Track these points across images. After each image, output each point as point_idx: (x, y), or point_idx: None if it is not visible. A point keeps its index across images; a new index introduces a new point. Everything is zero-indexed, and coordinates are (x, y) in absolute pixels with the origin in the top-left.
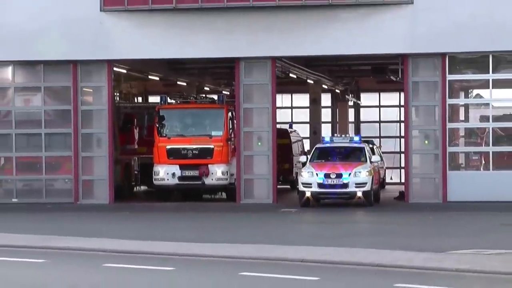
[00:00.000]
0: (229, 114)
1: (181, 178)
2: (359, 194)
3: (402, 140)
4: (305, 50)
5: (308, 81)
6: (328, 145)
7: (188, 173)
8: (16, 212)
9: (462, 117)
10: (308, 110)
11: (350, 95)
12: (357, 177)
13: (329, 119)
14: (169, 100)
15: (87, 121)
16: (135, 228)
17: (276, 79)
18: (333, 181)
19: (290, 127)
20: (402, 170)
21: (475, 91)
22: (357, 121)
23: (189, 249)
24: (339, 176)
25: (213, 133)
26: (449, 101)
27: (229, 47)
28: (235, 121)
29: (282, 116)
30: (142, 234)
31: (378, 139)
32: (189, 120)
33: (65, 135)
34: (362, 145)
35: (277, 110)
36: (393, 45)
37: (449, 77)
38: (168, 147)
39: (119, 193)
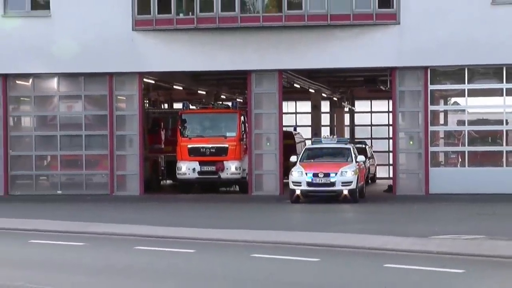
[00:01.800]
0: (242, 118)
1: (200, 172)
2: (345, 192)
3: (391, 141)
4: (307, 64)
5: (310, 90)
6: (317, 146)
7: (206, 168)
8: (60, 202)
9: (442, 121)
10: (309, 115)
11: (346, 102)
12: (343, 176)
13: (328, 123)
14: (190, 106)
15: (120, 125)
16: (161, 216)
17: (282, 88)
18: (321, 180)
19: (295, 129)
20: (391, 167)
21: (453, 99)
22: (352, 125)
23: (208, 234)
24: (326, 175)
25: (228, 134)
26: (431, 108)
27: (242, 61)
28: (247, 124)
29: (288, 120)
30: (167, 221)
31: (370, 140)
32: (207, 123)
33: (102, 136)
34: (348, 146)
35: (283, 115)
36: (383, 60)
37: (431, 87)
38: (189, 146)
39: (148, 186)
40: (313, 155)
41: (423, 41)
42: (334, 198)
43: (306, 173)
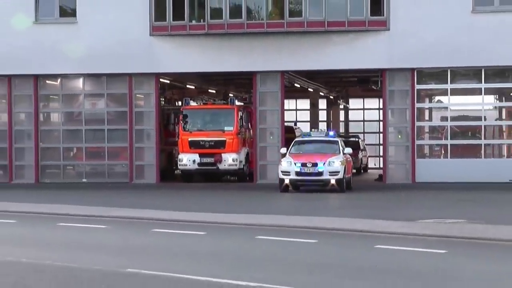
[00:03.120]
0: (240, 113)
1: (200, 164)
2: (333, 181)
3: (381, 135)
4: (307, 66)
5: (309, 89)
6: (306, 138)
7: (205, 160)
8: (85, 189)
9: (427, 117)
10: (308, 112)
11: (341, 100)
12: (330, 166)
13: (325, 119)
14: (191, 102)
15: (139, 120)
16: (176, 202)
17: (284, 87)
18: (309, 170)
19: (295, 125)
20: (381, 158)
21: (437, 98)
22: (346, 120)
23: (217, 218)
24: (314, 165)
25: (226, 128)
26: (417, 105)
27: (248, 63)
28: (249, 119)
29: (289, 116)
30: (181, 206)
31: (362, 134)
32: (206, 118)
33: (123, 131)
34: (336, 139)
35: (285, 111)
36: (374, 62)
37: (417, 86)
38: (190, 139)
39: (163, 175)
40: (302, 147)
41: (411, 46)
42: (322, 187)
43: (295, 163)
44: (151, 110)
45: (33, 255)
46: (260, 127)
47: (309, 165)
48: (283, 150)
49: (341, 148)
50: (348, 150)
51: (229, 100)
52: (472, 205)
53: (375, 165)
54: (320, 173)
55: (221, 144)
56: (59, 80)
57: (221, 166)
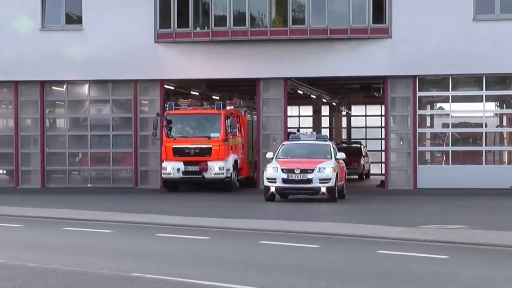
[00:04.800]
0: (227, 118)
1: (184, 172)
2: (323, 189)
3: (383, 141)
4: (309, 72)
5: (312, 96)
6: (294, 142)
7: (190, 168)
8: (90, 194)
9: (428, 124)
10: (311, 118)
11: (344, 107)
12: (321, 173)
13: (327, 125)
14: (175, 107)
15: (144, 126)
16: (180, 207)
17: (287, 94)
18: (297, 177)
19: (298, 131)
20: (383, 164)
21: (438, 104)
22: (349, 127)
23: (220, 223)
24: (303, 171)
25: (212, 135)
26: (419, 112)
27: (252, 70)
28: (238, 124)
29: (292, 122)
30: (185, 211)
31: (365, 141)
32: (191, 124)
33: (128, 136)
34: (327, 142)
35: (288, 118)
36: (376, 69)
37: (419, 93)
38: (174, 146)
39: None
40: (290, 151)
41: (412, 53)
42: (311, 196)
43: (282, 169)
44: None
45: (39, 259)
46: (263, 133)
47: (297, 171)
48: (270, 154)
49: (333, 152)
50: (341, 155)
51: (216, 104)
52: (473, 211)
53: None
54: (309, 181)
55: (206, 152)
56: (65, 86)
57: (207, 175)
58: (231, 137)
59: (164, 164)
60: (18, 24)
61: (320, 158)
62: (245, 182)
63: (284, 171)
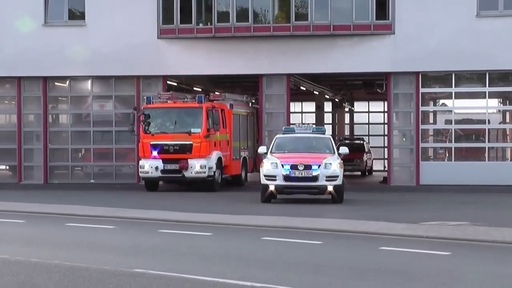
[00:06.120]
0: (210, 113)
1: (163, 171)
2: (330, 188)
3: (386, 137)
4: (312, 69)
5: (314, 92)
6: (289, 135)
7: (169, 166)
8: (93, 190)
9: (431, 120)
10: (314, 114)
11: (346, 103)
12: (327, 169)
13: (330, 121)
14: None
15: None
16: (182, 203)
17: (290, 90)
18: (301, 174)
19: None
20: (386, 161)
21: (441, 101)
22: (352, 123)
23: (223, 219)
24: (307, 167)
25: (192, 130)
26: (422, 108)
27: (254, 66)
28: (222, 119)
29: (294, 118)
30: (187, 207)
31: (367, 137)
32: (171, 118)
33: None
34: (327, 136)
35: (291, 114)
36: (379, 65)
37: (422, 90)
38: (152, 143)
39: None
40: (285, 145)
41: (415, 50)
42: (315, 195)
43: (282, 165)
44: None
45: (42, 254)
46: (266, 129)
47: (300, 167)
48: (263, 149)
49: (334, 147)
50: (344, 149)
51: (197, 97)
52: (475, 208)
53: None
54: (315, 178)
55: (187, 149)
56: (67, 82)
57: (188, 174)
58: (213, 132)
59: (142, 162)
60: (19, 23)
61: (320, 153)
62: (232, 181)
63: (286, 167)
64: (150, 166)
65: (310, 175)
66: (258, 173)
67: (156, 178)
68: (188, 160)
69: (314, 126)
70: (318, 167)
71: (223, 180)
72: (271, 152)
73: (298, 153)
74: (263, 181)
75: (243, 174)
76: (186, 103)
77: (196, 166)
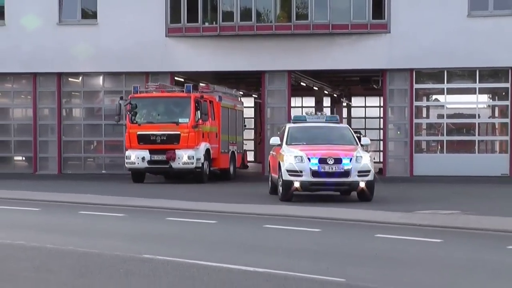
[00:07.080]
0: (199, 103)
1: (150, 162)
2: (362, 184)
3: (381, 131)
4: (312, 66)
5: (314, 88)
6: (303, 124)
7: (156, 157)
8: (104, 180)
9: (424, 115)
10: (313, 109)
11: (344, 98)
12: (358, 163)
13: None
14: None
15: None
16: (188, 192)
17: (291, 86)
18: (331, 168)
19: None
20: (381, 153)
21: (434, 96)
22: (349, 117)
23: (227, 208)
24: (338, 161)
25: (180, 120)
26: (415, 103)
27: (257, 63)
28: (211, 110)
29: (295, 113)
30: (193, 196)
31: (364, 130)
32: (158, 108)
33: None
34: (344, 125)
35: (291, 108)
36: (375, 63)
37: (416, 86)
38: (139, 133)
39: None
40: (300, 136)
41: (410, 48)
42: (345, 193)
43: (309, 158)
44: None
45: (56, 241)
46: (269, 123)
47: (330, 161)
48: (275, 140)
49: (355, 138)
50: (366, 141)
51: (185, 87)
52: (466, 198)
53: (375, 159)
54: (347, 173)
55: (174, 139)
56: (80, 78)
57: (175, 165)
58: (201, 123)
59: (128, 152)
60: (25, 21)
61: (343, 144)
62: (221, 174)
63: (313, 160)
64: (137, 156)
65: (342, 170)
66: (247, 169)
67: (143, 169)
68: (176, 150)
69: (326, 114)
70: (350, 160)
71: (211, 173)
72: (287, 143)
73: (322, 145)
74: (287, 176)
75: (231, 169)
76: (174, 92)
77: (184, 157)
